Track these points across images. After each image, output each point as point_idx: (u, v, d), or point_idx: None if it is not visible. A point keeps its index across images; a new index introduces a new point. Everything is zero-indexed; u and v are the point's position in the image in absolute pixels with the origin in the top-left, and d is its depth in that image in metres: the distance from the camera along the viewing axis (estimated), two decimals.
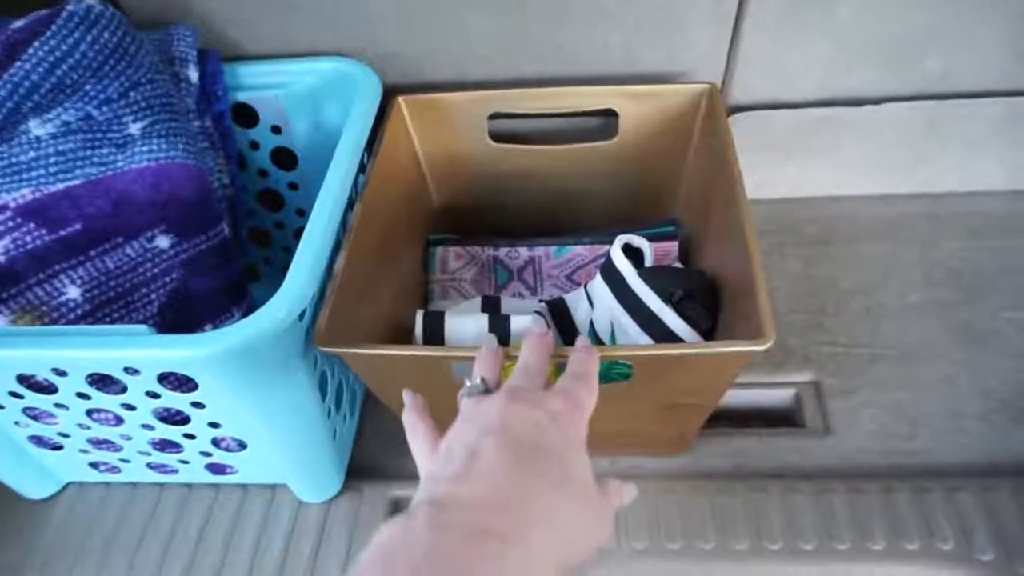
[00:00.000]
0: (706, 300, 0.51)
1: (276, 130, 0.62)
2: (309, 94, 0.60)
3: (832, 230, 0.71)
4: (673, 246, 0.60)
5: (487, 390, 0.36)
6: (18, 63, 0.45)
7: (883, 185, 0.72)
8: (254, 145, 0.63)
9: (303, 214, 0.66)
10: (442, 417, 0.38)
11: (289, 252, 0.43)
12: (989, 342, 0.61)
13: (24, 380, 0.45)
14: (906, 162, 0.70)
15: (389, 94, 0.59)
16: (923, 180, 0.71)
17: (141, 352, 0.40)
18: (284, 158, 0.64)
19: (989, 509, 0.51)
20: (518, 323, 0.54)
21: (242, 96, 0.60)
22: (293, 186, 0.65)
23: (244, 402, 0.45)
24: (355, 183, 0.54)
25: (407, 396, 0.39)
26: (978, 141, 0.67)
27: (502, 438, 0.31)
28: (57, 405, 0.47)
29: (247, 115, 0.61)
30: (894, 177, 0.71)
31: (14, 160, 0.46)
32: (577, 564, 0.31)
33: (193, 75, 0.56)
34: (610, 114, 0.60)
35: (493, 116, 0.61)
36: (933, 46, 0.61)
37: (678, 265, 0.60)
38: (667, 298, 0.50)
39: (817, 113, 0.65)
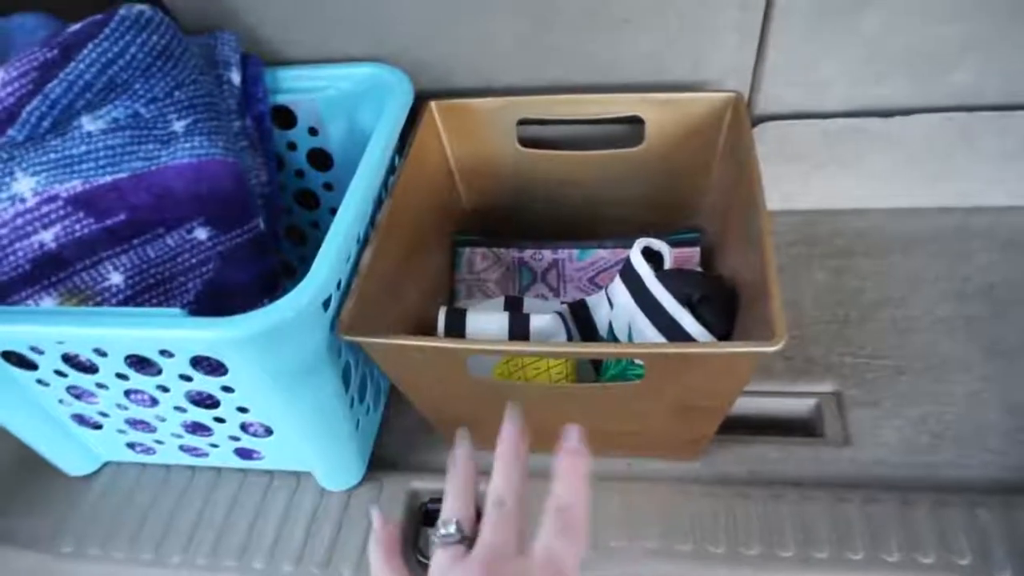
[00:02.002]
0: (724, 304, 0.51)
1: (313, 132, 0.64)
2: (345, 98, 0.62)
3: (859, 242, 0.70)
4: (694, 252, 0.61)
5: (463, 538, 0.34)
6: (73, 63, 0.49)
7: (912, 198, 0.71)
8: (292, 146, 0.66)
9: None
10: (457, 409, 0.39)
11: None
12: (1019, 358, 0.60)
13: (69, 360, 0.48)
14: (936, 174, 0.69)
15: (421, 99, 0.61)
16: (953, 193, 0.70)
17: (173, 333, 0.42)
18: (320, 159, 0.66)
19: (1010, 526, 0.50)
20: (537, 322, 0.55)
21: (281, 99, 0.62)
22: (328, 187, 0.68)
23: (270, 387, 0.47)
24: (385, 183, 0.56)
25: (376, 520, 0.37)
26: (1010, 154, 0.66)
27: None
28: (98, 385, 0.50)
29: (286, 117, 0.64)
30: (923, 190, 0.70)
31: (66, 153, 0.49)
32: None
33: (236, 78, 0.59)
34: (636, 121, 0.62)
35: (522, 122, 0.63)
36: (964, 57, 0.61)
37: (697, 269, 0.60)
38: (684, 300, 0.50)
39: (844, 124, 0.65)
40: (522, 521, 0.34)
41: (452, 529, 0.34)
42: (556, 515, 0.33)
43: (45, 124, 0.49)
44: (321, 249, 0.45)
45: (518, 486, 0.35)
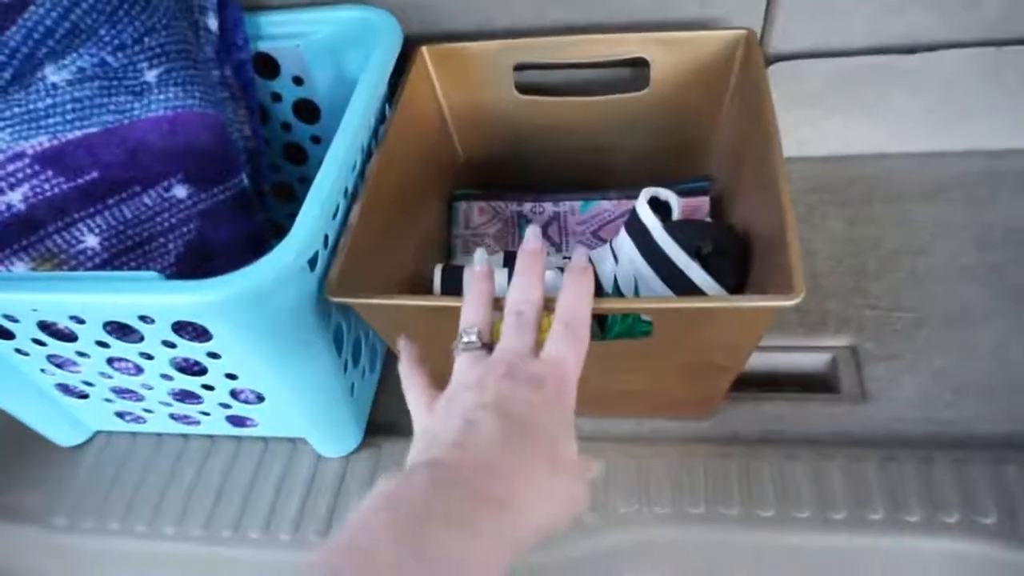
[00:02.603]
0: (736, 255, 0.48)
1: (298, 81, 0.61)
2: (330, 44, 0.58)
3: (877, 190, 0.67)
4: (704, 201, 0.58)
5: (483, 344, 0.37)
6: (32, 7, 0.45)
7: (935, 142, 0.67)
8: (276, 97, 0.62)
9: None
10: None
11: None
12: None
13: (46, 328, 0.46)
14: (961, 115, 0.65)
15: (412, 44, 0.57)
16: (979, 135, 0.66)
17: (151, 298, 0.39)
18: (306, 111, 0.63)
19: None
20: (544, 277, 0.52)
21: (263, 46, 0.59)
22: (316, 140, 0.64)
23: (257, 352, 0.45)
24: (375, 133, 0.53)
25: (403, 345, 0.40)
26: None
27: (498, 413, 0.32)
28: (79, 353, 0.48)
29: (268, 66, 0.60)
30: (946, 132, 0.66)
31: (31, 107, 0.46)
32: (554, 530, 0.32)
33: (213, 23, 0.55)
34: (641, 64, 0.58)
35: (519, 67, 0.59)
36: None
37: (706, 219, 0.57)
38: (694, 252, 0.48)
39: (864, 62, 0.61)
40: (538, 331, 0.36)
41: (474, 336, 0.37)
42: (562, 327, 0.36)
43: (5, 75, 0.45)
44: (304, 204, 0.42)
45: (536, 298, 0.37)
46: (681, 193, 0.55)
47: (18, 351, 0.49)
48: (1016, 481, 0.48)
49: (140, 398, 0.54)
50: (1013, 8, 0.58)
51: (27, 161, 0.46)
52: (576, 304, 0.36)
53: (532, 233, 0.39)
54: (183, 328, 0.44)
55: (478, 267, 0.40)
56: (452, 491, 0.29)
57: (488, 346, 0.37)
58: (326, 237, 0.44)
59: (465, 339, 0.37)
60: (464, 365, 0.36)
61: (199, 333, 0.44)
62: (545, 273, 0.38)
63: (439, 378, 0.38)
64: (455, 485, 0.29)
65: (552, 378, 0.34)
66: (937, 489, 0.49)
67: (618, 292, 0.53)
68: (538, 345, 0.36)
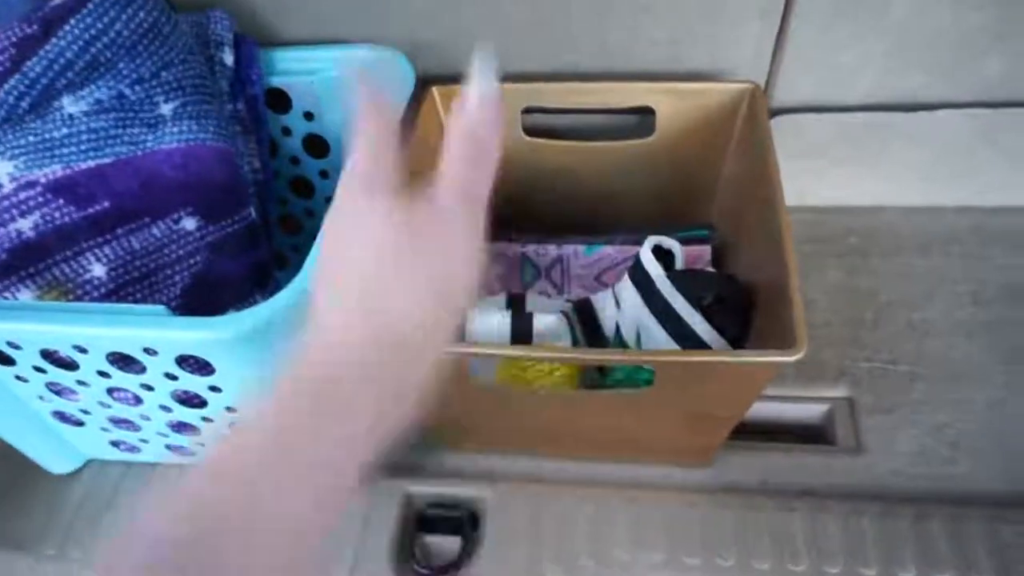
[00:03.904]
0: (737, 307, 0.49)
1: (309, 116, 0.61)
2: (343, 81, 0.59)
3: (875, 241, 0.68)
4: (706, 250, 0.58)
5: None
6: (54, 39, 0.46)
7: (931, 196, 0.68)
8: (286, 131, 0.63)
9: None
10: (455, 412, 0.37)
11: None
12: None
13: (48, 355, 0.46)
14: (957, 173, 0.67)
15: (423, 83, 0.58)
16: (974, 192, 0.68)
17: (157, 333, 0.39)
18: (316, 145, 0.63)
19: None
20: (541, 322, 0.52)
21: (276, 81, 0.59)
22: (324, 174, 0.65)
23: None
24: None
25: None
26: None
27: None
28: (79, 382, 0.48)
29: (280, 100, 0.61)
30: (943, 188, 0.68)
31: (46, 136, 0.46)
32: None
33: (228, 58, 0.56)
34: (647, 111, 0.59)
35: (527, 110, 0.60)
36: (993, 48, 0.58)
37: (709, 269, 0.58)
38: (696, 303, 0.48)
39: (865, 118, 0.63)
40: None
41: None
42: (467, 141, 0.31)
43: (24, 105, 0.46)
44: (315, 243, 0.43)
45: (380, 127, 0.32)
46: (682, 241, 0.55)
47: (18, 377, 0.49)
48: (1011, 540, 0.49)
49: (137, 428, 0.53)
50: (1010, 73, 0.59)
51: (39, 189, 0.46)
52: (491, 118, 0.32)
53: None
54: (185, 360, 0.44)
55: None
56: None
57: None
58: None
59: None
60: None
61: (201, 366, 0.44)
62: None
63: (441, 418, 0.36)
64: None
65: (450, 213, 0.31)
66: (932, 545, 0.49)
67: (620, 339, 0.54)
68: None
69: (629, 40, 0.59)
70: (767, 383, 0.42)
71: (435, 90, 0.60)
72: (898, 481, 0.53)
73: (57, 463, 0.59)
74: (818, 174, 0.68)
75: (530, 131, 0.61)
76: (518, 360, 0.52)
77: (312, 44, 0.60)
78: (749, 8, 0.56)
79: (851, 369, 0.59)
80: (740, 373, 0.41)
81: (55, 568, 0.54)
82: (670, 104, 0.58)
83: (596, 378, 0.53)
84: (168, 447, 0.56)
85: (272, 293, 0.55)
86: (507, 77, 0.59)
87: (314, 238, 0.73)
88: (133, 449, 0.57)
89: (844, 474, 0.54)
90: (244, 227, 0.53)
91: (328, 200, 0.67)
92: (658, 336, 0.49)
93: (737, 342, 0.48)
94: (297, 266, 0.42)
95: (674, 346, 0.48)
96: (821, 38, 0.58)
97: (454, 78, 0.60)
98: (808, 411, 0.58)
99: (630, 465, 0.55)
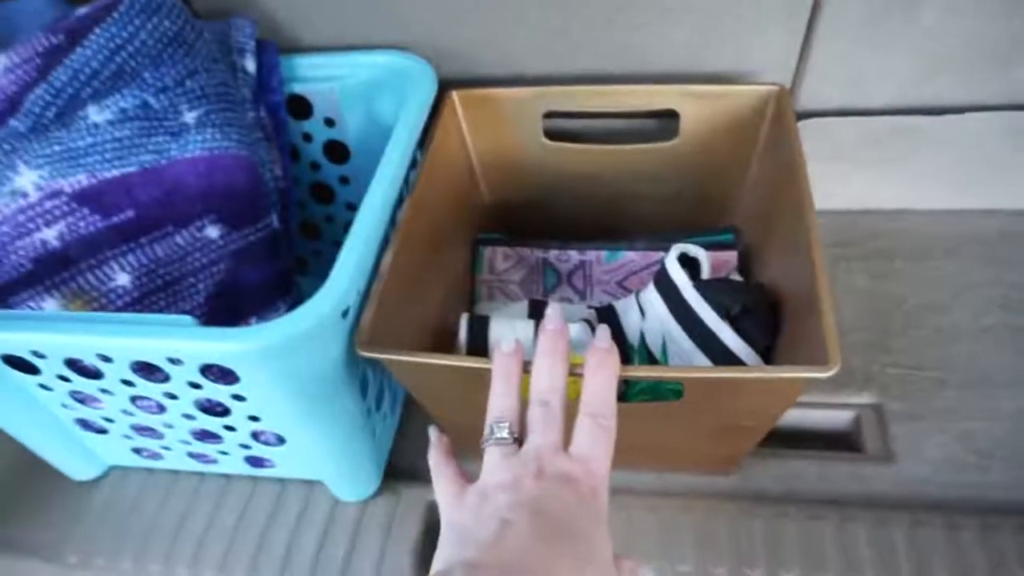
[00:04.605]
0: (766, 316, 0.48)
1: (329, 123, 0.61)
2: (363, 87, 0.59)
3: (901, 245, 0.67)
4: (732, 256, 0.58)
5: (515, 440, 0.36)
6: (79, 49, 0.46)
7: (958, 200, 0.67)
8: (307, 137, 0.62)
9: (353, 208, 0.65)
10: (478, 422, 0.37)
11: (338, 246, 0.43)
12: None
13: (72, 364, 0.46)
14: (984, 176, 0.66)
15: (443, 88, 0.58)
16: (1001, 196, 0.67)
17: (183, 343, 0.39)
18: (336, 151, 0.63)
19: None
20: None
21: (297, 88, 0.59)
22: (344, 180, 0.65)
23: (284, 397, 0.44)
24: (406, 179, 0.53)
25: (433, 434, 0.40)
26: None
27: (531, 513, 0.32)
28: (103, 391, 0.48)
29: (301, 107, 0.61)
30: (970, 192, 0.67)
31: (71, 145, 0.46)
32: None
33: (250, 65, 0.55)
34: (671, 115, 0.58)
35: (549, 114, 0.60)
36: (1022, 53, 0.57)
37: (736, 278, 0.57)
38: (724, 313, 0.47)
39: (892, 121, 0.62)
40: (564, 418, 0.36)
41: (505, 432, 0.36)
42: (590, 420, 0.35)
43: (49, 114, 0.46)
44: (341, 254, 0.42)
45: (561, 385, 0.37)
46: (707, 246, 0.55)
47: (42, 386, 0.49)
48: None
49: (160, 436, 0.53)
50: None
51: (64, 199, 0.46)
52: (602, 391, 0.36)
53: (553, 313, 0.39)
54: (209, 369, 0.44)
55: (505, 348, 0.38)
56: None
57: (519, 440, 0.36)
58: (359, 289, 0.44)
59: (497, 435, 0.36)
60: (494, 460, 0.36)
61: (225, 374, 0.44)
62: (568, 345, 0.38)
63: (463, 428, 0.38)
64: None
65: (585, 475, 0.34)
66: (964, 556, 0.48)
67: (644, 347, 0.53)
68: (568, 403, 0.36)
69: (651, 42, 0.58)
70: (798, 397, 0.42)
71: (455, 94, 0.59)
72: (928, 489, 0.52)
73: (79, 470, 0.59)
74: (844, 178, 0.67)
75: (552, 135, 0.61)
76: None
77: (332, 50, 0.59)
78: (775, 10, 0.55)
79: (878, 375, 0.58)
80: (770, 388, 0.41)
81: None
82: (694, 107, 0.57)
83: (620, 391, 0.53)
84: (190, 455, 0.55)
85: (295, 300, 0.55)
86: (528, 81, 0.60)
87: (334, 244, 0.74)
88: (155, 456, 0.57)
89: (872, 482, 0.53)
90: (267, 235, 0.52)
91: (349, 206, 0.67)
92: (685, 347, 0.48)
93: (765, 353, 0.47)
94: (317, 272, 0.41)
95: (701, 357, 0.48)
96: (849, 42, 0.57)
97: (475, 82, 0.60)
98: (835, 418, 0.58)
99: (655, 473, 0.54)
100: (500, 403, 0.37)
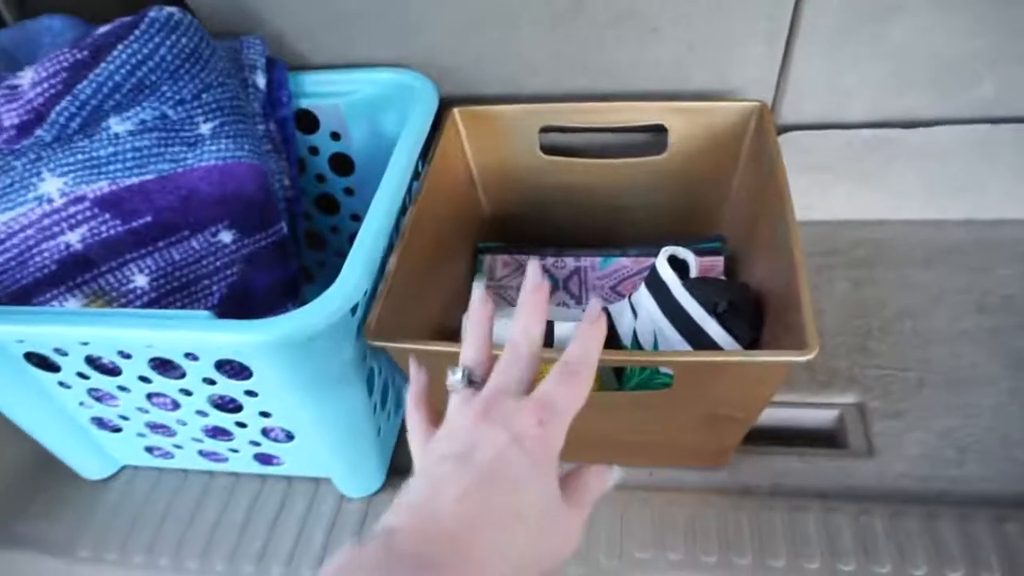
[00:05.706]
0: (750, 313, 0.51)
1: (335, 136, 0.64)
2: (368, 103, 0.62)
3: (881, 254, 0.70)
4: (719, 261, 0.61)
5: (471, 382, 0.35)
6: (103, 64, 0.49)
7: (934, 210, 0.71)
8: (313, 150, 0.65)
9: (358, 219, 0.68)
10: None
11: (343, 256, 0.45)
12: None
13: (91, 361, 0.48)
14: (958, 187, 0.69)
15: (444, 105, 0.61)
16: (975, 206, 0.70)
17: (201, 336, 0.42)
18: (341, 164, 0.66)
19: None
20: (561, 330, 0.54)
21: (305, 103, 0.62)
22: (349, 191, 0.67)
23: (294, 392, 0.47)
24: (409, 189, 0.56)
25: (413, 371, 0.39)
26: None
27: (460, 464, 0.31)
28: (120, 387, 0.50)
29: (309, 121, 0.64)
30: (945, 202, 0.70)
31: (94, 154, 0.49)
32: (543, 574, 0.32)
33: (261, 81, 0.59)
34: (659, 130, 0.61)
35: (544, 129, 0.63)
36: (988, 70, 0.61)
37: (723, 278, 0.60)
38: (711, 309, 0.50)
39: (868, 135, 0.65)
40: (533, 368, 0.35)
41: (459, 376, 0.35)
42: (562, 367, 0.34)
43: (74, 125, 0.49)
44: (350, 255, 0.45)
45: (536, 334, 0.35)
46: (696, 252, 0.58)
47: (61, 384, 0.51)
48: (1018, 539, 0.50)
49: (172, 433, 0.55)
50: (1006, 90, 0.62)
51: (87, 204, 0.49)
52: (583, 349, 0.34)
53: (533, 269, 0.37)
54: (223, 365, 0.46)
55: (477, 298, 0.38)
56: (395, 566, 0.28)
57: (479, 384, 0.35)
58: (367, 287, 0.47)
59: (450, 377, 0.35)
60: (451, 406, 0.35)
61: (238, 370, 0.46)
62: (547, 309, 0.37)
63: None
64: (399, 558, 0.28)
65: (538, 421, 0.32)
66: (942, 545, 0.50)
67: (637, 346, 0.56)
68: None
69: (640, 61, 0.62)
70: (780, 383, 0.44)
71: (455, 111, 0.62)
72: (908, 483, 0.55)
73: (93, 469, 0.61)
74: (824, 189, 0.70)
75: (547, 150, 0.64)
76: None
77: (339, 68, 0.63)
78: (755, 30, 0.59)
79: (861, 376, 0.61)
80: (755, 372, 0.43)
81: (90, 570, 0.56)
82: (681, 122, 0.61)
83: (614, 384, 0.55)
84: (201, 453, 0.58)
85: (301, 304, 0.57)
86: (525, 98, 0.63)
87: (338, 255, 0.76)
88: (167, 455, 0.59)
89: (855, 476, 0.55)
90: (277, 240, 0.55)
91: (353, 217, 0.70)
92: (673, 340, 0.51)
93: (749, 346, 0.50)
94: (323, 283, 0.43)
95: (688, 349, 0.50)
96: (824, 59, 0.61)
97: (474, 100, 0.63)
98: (820, 417, 0.60)
99: (648, 468, 0.57)
100: (465, 351, 0.37)
